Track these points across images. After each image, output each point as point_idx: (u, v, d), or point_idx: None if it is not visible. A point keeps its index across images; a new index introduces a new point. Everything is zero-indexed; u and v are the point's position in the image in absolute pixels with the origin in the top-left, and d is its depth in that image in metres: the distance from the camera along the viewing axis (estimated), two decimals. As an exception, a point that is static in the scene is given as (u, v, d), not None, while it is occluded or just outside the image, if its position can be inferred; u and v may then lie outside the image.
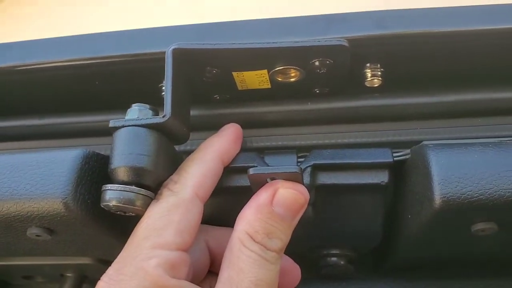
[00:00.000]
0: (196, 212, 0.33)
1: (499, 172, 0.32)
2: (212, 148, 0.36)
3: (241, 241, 0.32)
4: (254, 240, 0.32)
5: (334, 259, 0.43)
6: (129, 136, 0.33)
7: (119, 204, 0.33)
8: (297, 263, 0.39)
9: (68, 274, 0.47)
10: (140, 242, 0.31)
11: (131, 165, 0.33)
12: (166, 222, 0.32)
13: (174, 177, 0.35)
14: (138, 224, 0.33)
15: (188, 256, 0.32)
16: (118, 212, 0.34)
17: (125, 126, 0.34)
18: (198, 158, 0.36)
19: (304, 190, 0.34)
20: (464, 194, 0.32)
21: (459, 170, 0.32)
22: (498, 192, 0.32)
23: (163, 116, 0.34)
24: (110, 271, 0.31)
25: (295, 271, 0.39)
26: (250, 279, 0.31)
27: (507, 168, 0.32)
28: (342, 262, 0.43)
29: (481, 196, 0.32)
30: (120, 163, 0.33)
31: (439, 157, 0.33)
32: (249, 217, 0.33)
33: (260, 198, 0.33)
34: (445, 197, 0.32)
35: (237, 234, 0.33)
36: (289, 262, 0.39)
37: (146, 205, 0.33)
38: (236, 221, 0.34)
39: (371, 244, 0.42)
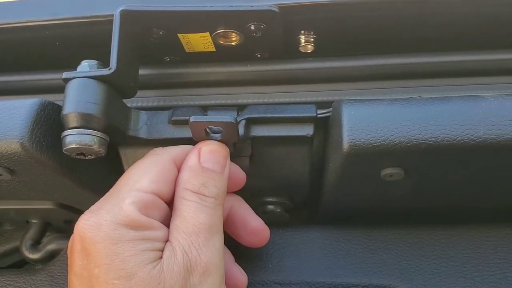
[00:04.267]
0: (172, 171, 0.38)
1: (400, 122, 0.37)
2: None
3: (181, 197, 0.38)
4: (192, 191, 0.38)
5: (271, 207, 0.48)
6: (79, 86, 0.38)
7: (78, 146, 0.37)
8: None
9: (33, 221, 0.52)
10: (121, 187, 0.37)
11: (80, 111, 0.37)
12: (145, 172, 0.38)
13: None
14: (123, 175, 0.39)
15: (162, 202, 0.38)
16: (79, 156, 0.39)
17: (76, 78, 0.38)
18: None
19: (223, 144, 0.40)
20: (369, 140, 0.36)
21: (366, 120, 0.37)
22: (399, 139, 0.36)
23: (109, 69, 0.38)
24: (93, 207, 0.37)
25: (264, 231, 0.45)
26: (193, 223, 0.37)
27: (408, 118, 0.37)
28: (278, 210, 0.48)
29: (384, 142, 0.36)
30: (70, 109, 0.37)
31: (350, 109, 0.38)
32: (184, 177, 0.38)
33: (189, 159, 0.39)
34: (352, 142, 0.36)
35: (178, 194, 0.38)
36: (260, 222, 0.45)
37: (103, 146, 0.38)
38: (175, 187, 0.39)
39: (301, 193, 0.47)
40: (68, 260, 0.38)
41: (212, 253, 0.36)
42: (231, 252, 0.45)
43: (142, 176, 0.37)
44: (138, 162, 0.39)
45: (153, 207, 0.37)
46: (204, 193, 0.38)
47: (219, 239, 0.38)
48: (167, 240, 0.37)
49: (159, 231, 0.36)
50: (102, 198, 0.38)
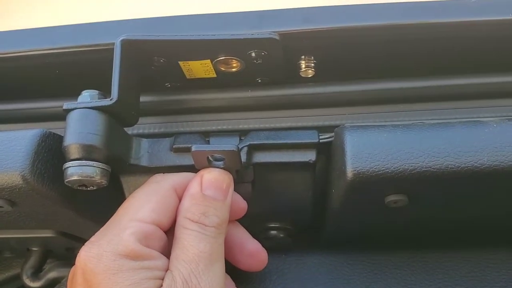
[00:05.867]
0: (172, 200, 0.38)
1: (404, 149, 0.37)
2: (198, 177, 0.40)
3: (182, 226, 0.37)
4: (192, 221, 0.37)
5: (274, 232, 0.48)
6: (80, 117, 0.38)
7: (80, 178, 0.37)
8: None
9: (34, 248, 0.52)
10: (121, 216, 0.37)
11: (81, 142, 0.37)
12: (145, 202, 0.38)
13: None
14: (123, 203, 0.39)
15: (162, 233, 0.37)
16: (81, 187, 0.38)
17: (77, 108, 0.38)
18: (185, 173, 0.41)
19: (226, 172, 0.39)
20: (372, 168, 0.36)
21: (369, 147, 0.37)
22: (403, 166, 0.36)
23: (111, 99, 0.38)
24: (93, 238, 0.37)
25: (262, 254, 0.44)
26: (193, 251, 0.36)
27: (411, 145, 0.37)
28: (281, 235, 0.48)
29: (388, 170, 0.36)
30: (71, 141, 0.37)
31: (353, 136, 0.38)
32: (185, 205, 0.38)
33: (191, 187, 0.39)
34: (355, 170, 0.36)
35: (179, 223, 0.38)
36: (257, 245, 0.44)
37: (105, 177, 0.38)
38: (176, 215, 0.38)
39: (304, 218, 0.47)
40: None
41: (212, 281, 0.36)
42: (232, 278, 0.44)
43: (143, 206, 0.38)
44: (139, 190, 0.39)
45: (153, 238, 0.37)
46: (204, 223, 0.37)
47: (220, 267, 0.38)
48: (167, 269, 0.36)
49: (158, 261, 0.36)
50: (103, 227, 0.38)
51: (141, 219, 0.37)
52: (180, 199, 0.39)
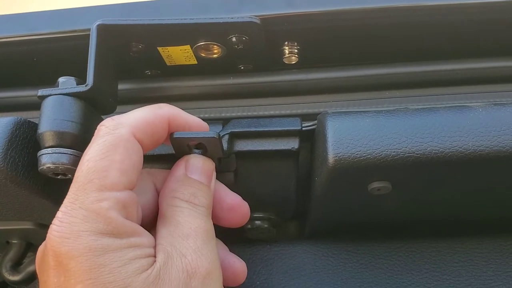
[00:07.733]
0: (136, 150, 0.33)
1: (386, 134, 0.36)
2: (165, 107, 0.37)
3: (172, 205, 0.35)
4: (182, 200, 0.35)
5: (258, 222, 0.47)
6: (54, 103, 0.37)
7: (54, 166, 0.35)
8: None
9: (13, 241, 0.50)
10: (86, 185, 0.31)
11: (56, 129, 0.36)
12: (108, 162, 0.32)
13: (114, 116, 0.35)
14: (79, 167, 0.32)
15: (136, 196, 0.33)
16: (59, 176, 0.37)
17: (52, 95, 0.37)
18: (145, 107, 0.36)
19: (209, 159, 0.38)
20: (354, 153, 0.35)
21: (351, 133, 0.36)
22: (385, 152, 0.35)
23: (86, 86, 0.37)
24: (59, 214, 0.31)
25: (243, 206, 0.40)
26: (190, 227, 0.34)
27: (394, 130, 0.36)
28: (265, 225, 0.47)
29: (370, 156, 0.35)
30: (46, 128, 0.36)
31: (335, 122, 0.37)
32: (172, 187, 0.36)
33: (176, 171, 0.37)
34: (337, 156, 0.35)
35: (166, 202, 0.36)
36: (237, 198, 0.41)
37: None
38: (160, 196, 0.37)
39: (288, 208, 0.46)
40: (39, 277, 0.34)
41: (213, 256, 0.34)
42: None
43: (108, 168, 0.32)
44: (92, 147, 0.33)
45: (130, 206, 0.32)
46: (195, 202, 0.36)
47: (215, 246, 0.36)
48: (153, 245, 0.33)
49: (144, 237, 0.33)
50: (65, 201, 0.32)
51: (113, 187, 0.31)
52: (141, 144, 0.34)
